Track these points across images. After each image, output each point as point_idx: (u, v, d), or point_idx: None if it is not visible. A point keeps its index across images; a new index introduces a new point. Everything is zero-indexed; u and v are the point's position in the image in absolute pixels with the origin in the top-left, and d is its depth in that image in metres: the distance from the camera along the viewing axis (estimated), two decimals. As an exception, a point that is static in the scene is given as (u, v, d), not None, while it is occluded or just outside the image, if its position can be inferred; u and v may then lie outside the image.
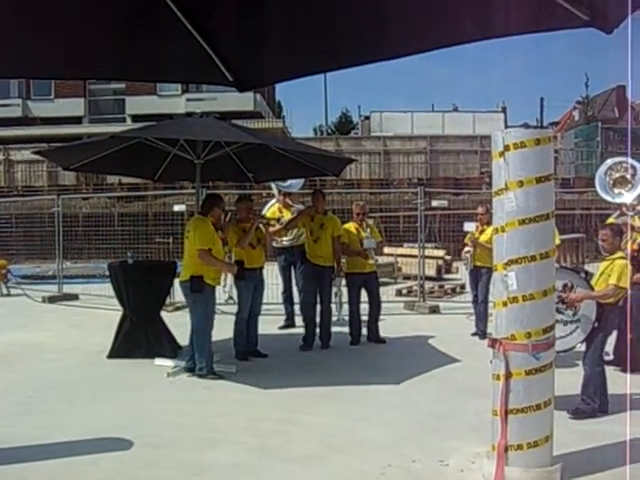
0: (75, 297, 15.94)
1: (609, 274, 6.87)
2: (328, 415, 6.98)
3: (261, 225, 9.62)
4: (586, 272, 7.42)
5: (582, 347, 7.03)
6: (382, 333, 10.66)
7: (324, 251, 10.11)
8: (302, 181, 13.12)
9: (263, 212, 12.38)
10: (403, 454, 5.84)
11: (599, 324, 6.86)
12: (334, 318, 10.99)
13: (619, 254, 6.98)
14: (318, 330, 10.26)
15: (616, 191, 10.33)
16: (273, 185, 12.78)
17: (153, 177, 10.96)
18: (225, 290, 12.90)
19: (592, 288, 7.01)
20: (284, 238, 11.39)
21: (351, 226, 10.56)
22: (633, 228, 9.35)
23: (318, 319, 10.26)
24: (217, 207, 8.72)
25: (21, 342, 10.80)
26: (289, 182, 12.18)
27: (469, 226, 10.94)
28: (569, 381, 6.83)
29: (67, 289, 16.43)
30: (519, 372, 5.12)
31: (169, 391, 8.01)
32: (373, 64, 4.60)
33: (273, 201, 12.65)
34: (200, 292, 8.35)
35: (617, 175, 10.39)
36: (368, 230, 10.46)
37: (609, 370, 7.34)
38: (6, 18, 3.88)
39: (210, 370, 8.44)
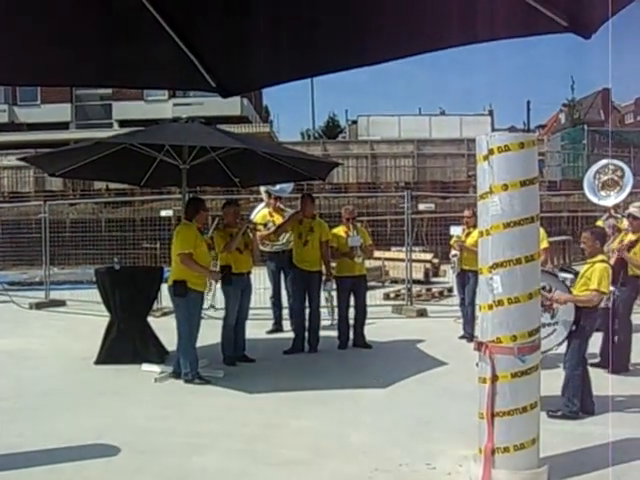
0: (62, 303, 15.87)
1: (589, 277, 6.89)
2: (315, 419, 6.98)
3: (248, 230, 9.61)
4: (576, 273, 7.43)
5: (563, 349, 7.07)
6: (369, 337, 10.66)
7: (312, 256, 10.11)
8: (292, 185, 13.12)
9: (252, 217, 12.36)
10: (390, 458, 5.84)
11: (577, 327, 6.88)
12: (327, 322, 11.00)
13: (599, 257, 7.01)
14: (307, 334, 10.26)
15: (603, 193, 10.37)
16: (262, 189, 12.76)
17: (139, 183, 10.93)
18: (207, 298, 12.87)
19: (570, 291, 7.04)
20: (276, 243, 11.36)
21: (340, 230, 10.56)
22: (619, 230, 9.41)
23: (307, 324, 10.27)
24: (202, 210, 8.72)
25: (7, 348, 10.74)
26: (279, 186, 12.17)
27: (455, 230, 10.96)
28: (552, 382, 6.86)
29: (54, 295, 16.36)
30: (505, 375, 5.14)
31: (156, 396, 7.98)
32: (358, 69, 4.61)
33: (262, 205, 12.62)
34: (183, 297, 8.35)
35: (606, 178, 10.44)
36: (355, 232, 10.43)
37: (596, 372, 7.37)
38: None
39: (195, 375, 8.43)
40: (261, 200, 13.14)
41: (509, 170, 5.14)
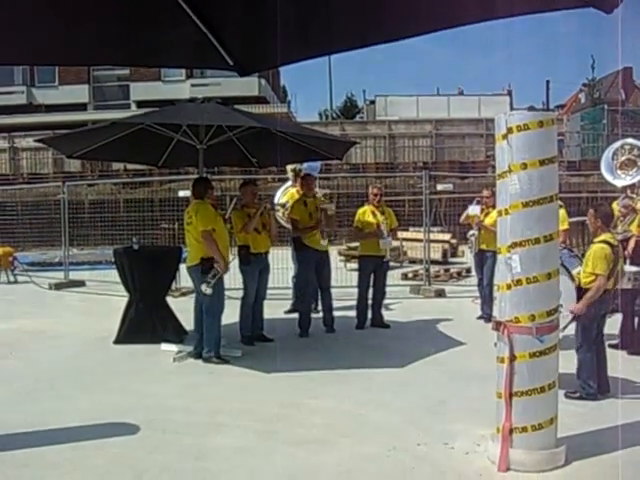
0: (81, 283, 15.99)
1: (587, 260, 6.83)
2: (332, 399, 6.99)
3: (266, 210, 9.57)
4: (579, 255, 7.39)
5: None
6: (387, 317, 10.69)
7: (320, 235, 10.07)
8: (319, 164, 12.99)
9: (277, 196, 12.32)
10: (408, 437, 5.84)
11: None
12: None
13: (602, 237, 6.92)
14: (321, 314, 10.26)
15: (620, 173, 10.27)
16: (289, 169, 12.64)
17: (157, 163, 10.95)
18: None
19: (572, 277, 6.96)
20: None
21: (367, 210, 10.50)
22: (635, 210, 9.32)
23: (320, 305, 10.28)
24: (210, 189, 8.78)
25: (27, 329, 10.84)
26: (306, 165, 12.03)
27: (473, 209, 10.90)
28: (570, 362, 6.85)
29: (73, 276, 16.48)
30: (523, 355, 5.12)
31: (175, 376, 8.03)
32: (376, 46, 4.59)
33: (288, 184, 12.48)
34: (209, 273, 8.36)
35: (623, 158, 10.33)
36: (384, 219, 10.38)
37: (615, 353, 7.34)
38: (8, 5, 3.87)
39: (217, 353, 8.47)
40: (285, 180, 13.03)
41: (528, 149, 5.10)
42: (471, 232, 10.84)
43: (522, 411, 5.12)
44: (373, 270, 10.46)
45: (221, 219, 8.66)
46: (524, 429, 5.11)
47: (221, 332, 8.61)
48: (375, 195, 10.53)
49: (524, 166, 5.08)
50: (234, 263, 9.28)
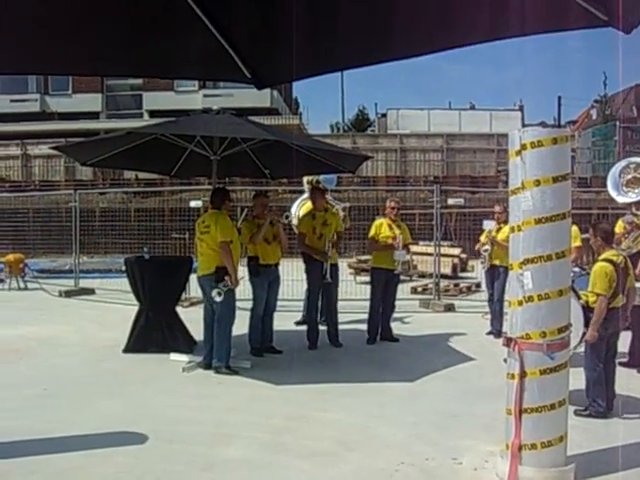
0: (91, 291, 16.03)
1: (591, 278, 6.81)
2: (341, 412, 6.98)
3: (274, 221, 9.55)
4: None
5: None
6: (396, 331, 10.67)
7: (325, 247, 10.01)
8: (336, 177, 12.98)
9: (293, 209, 12.31)
10: (416, 452, 5.83)
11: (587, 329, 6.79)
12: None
13: (603, 255, 6.90)
14: (326, 328, 10.24)
15: (626, 190, 10.25)
16: (305, 181, 12.63)
17: (170, 173, 10.98)
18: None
19: (579, 296, 6.94)
20: None
21: (383, 223, 10.50)
22: (638, 226, 9.32)
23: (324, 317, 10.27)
24: (228, 200, 8.82)
25: (37, 336, 10.87)
26: (323, 177, 12.01)
27: (488, 224, 10.89)
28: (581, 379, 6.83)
29: (84, 283, 16.53)
30: (534, 371, 5.11)
31: (184, 386, 8.03)
32: (389, 63, 4.59)
33: (304, 197, 12.47)
34: (220, 285, 8.37)
35: (630, 176, 10.32)
36: (400, 233, 10.38)
37: (625, 371, 7.31)
38: (23, 15, 3.90)
39: (226, 364, 8.48)
40: (302, 192, 13.02)
41: (541, 166, 5.10)
42: (484, 247, 10.82)
43: (532, 428, 5.10)
44: (385, 282, 10.43)
45: (236, 231, 8.69)
46: (533, 446, 5.09)
47: (231, 343, 8.61)
48: (392, 209, 10.53)
49: (537, 182, 5.08)
50: (244, 274, 9.30)
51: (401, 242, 10.29)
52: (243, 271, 9.27)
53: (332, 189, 13.00)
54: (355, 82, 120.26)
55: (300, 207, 12.12)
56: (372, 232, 10.52)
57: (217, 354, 8.48)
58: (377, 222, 10.64)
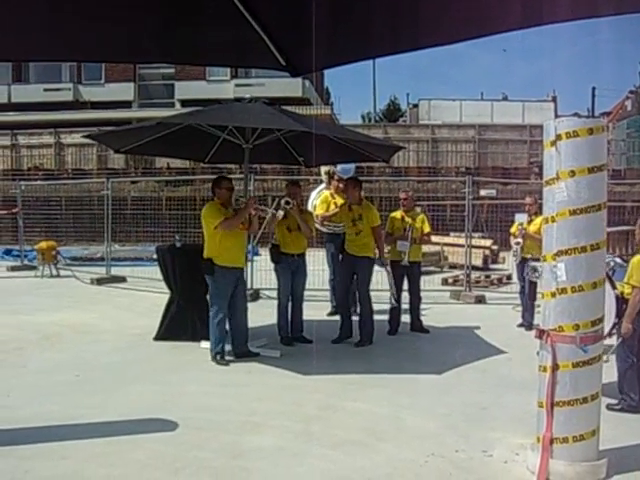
0: (123, 279, 16.16)
1: (630, 271, 6.70)
2: (371, 402, 6.97)
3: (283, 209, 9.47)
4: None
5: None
6: (426, 322, 10.63)
7: (362, 241, 9.88)
8: (354, 166, 12.98)
9: (311, 198, 12.30)
10: (446, 443, 5.80)
11: (619, 320, 6.72)
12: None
13: None
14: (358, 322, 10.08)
15: None
16: (322, 171, 12.64)
17: (204, 159, 11.00)
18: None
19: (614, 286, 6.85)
20: (337, 225, 10.92)
21: (397, 214, 10.48)
22: None
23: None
24: (218, 188, 8.72)
25: (68, 323, 10.97)
26: (340, 167, 12.00)
27: (520, 218, 10.81)
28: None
29: (115, 271, 16.66)
30: (566, 364, 5.06)
31: (213, 374, 8.06)
32: (422, 51, 4.56)
33: (322, 187, 12.49)
34: (211, 275, 8.45)
35: None
36: (410, 224, 10.33)
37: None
38: (57, 3, 3.92)
39: (216, 353, 8.50)
40: (321, 181, 13.04)
41: (577, 156, 5.04)
42: (516, 240, 10.73)
43: (564, 421, 5.06)
44: (403, 274, 10.40)
45: (231, 213, 8.60)
46: (565, 440, 5.04)
47: (223, 332, 8.56)
48: (403, 199, 10.53)
49: (572, 173, 5.02)
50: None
51: (414, 233, 10.26)
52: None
53: (364, 180, 13.00)
54: (387, 72, 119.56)
55: (317, 197, 12.10)
56: (388, 226, 10.52)
57: (211, 343, 8.58)
58: (392, 215, 10.63)
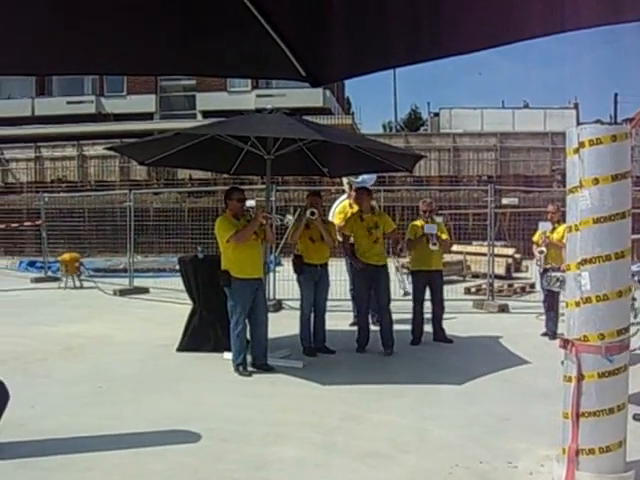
0: (145, 290, 16.21)
1: None
2: (394, 413, 6.93)
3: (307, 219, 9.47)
4: None
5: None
6: (449, 331, 10.56)
7: (380, 249, 9.94)
8: (374, 177, 13.00)
9: (333, 208, 12.34)
10: (470, 454, 5.75)
11: None
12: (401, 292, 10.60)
13: None
14: (379, 331, 10.01)
15: None
16: (345, 181, 12.69)
17: (228, 171, 11.03)
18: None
19: None
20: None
21: (418, 223, 10.44)
22: None
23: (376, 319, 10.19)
24: (229, 200, 8.69)
25: (91, 334, 11.02)
26: (361, 178, 12.05)
27: (544, 226, 10.73)
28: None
29: (138, 282, 16.73)
30: (592, 374, 4.99)
31: (236, 385, 8.06)
32: (443, 59, 4.54)
33: (344, 197, 12.56)
34: (228, 286, 8.44)
35: None
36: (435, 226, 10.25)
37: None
38: (78, 16, 3.94)
39: (238, 365, 8.50)
40: (343, 191, 13.08)
41: (600, 164, 4.98)
42: (539, 249, 10.66)
43: (589, 432, 4.99)
44: (426, 284, 10.36)
45: (243, 224, 8.53)
46: (591, 451, 4.98)
47: (243, 344, 8.57)
48: (425, 211, 10.48)
49: (596, 181, 4.96)
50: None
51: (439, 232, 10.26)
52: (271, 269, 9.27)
53: (385, 189, 13.06)
54: (407, 81, 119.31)
55: (337, 206, 12.16)
56: (409, 234, 10.48)
57: (232, 354, 8.60)
58: (412, 223, 10.61)
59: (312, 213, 9.20)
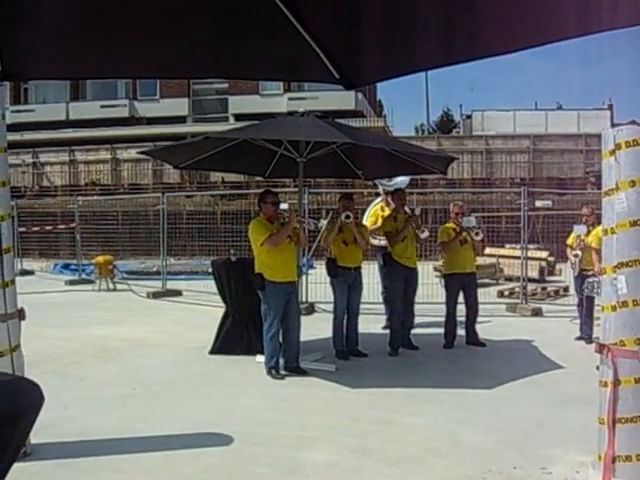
0: (178, 293, 16.29)
1: None
2: (426, 417, 6.88)
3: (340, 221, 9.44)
4: None
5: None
6: (482, 335, 10.48)
7: (411, 251, 9.98)
8: (407, 179, 12.96)
9: (367, 210, 12.36)
10: (504, 459, 5.69)
11: None
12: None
13: None
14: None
15: None
16: (379, 184, 12.69)
17: (264, 174, 11.08)
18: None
19: None
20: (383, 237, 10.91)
21: (450, 226, 10.40)
22: None
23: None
24: (263, 203, 8.67)
25: (124, 336, 11.09)
26: (394, 180, 12.05)
27: (579, 229, 10.61)
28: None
29: (171, 285, 16.81)
30: (628, 380, 4.92)
31: (268, 388, 8.06)
32: (475, 62, 4.52)
33: (378, 200, 12.57)
34: (262, 289, 8.44)
35: None
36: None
37: None
38: (114, 22, 3.97)
39: (269, 369, 8.50)
40: (377, 194, 13.10)
41: (637, 166, 4.90)
42: (574, 253, 10.54)
43: (626, 439, 4.91)
44: (460, 287, 10.32)
45: (277, 228, 8.54)
46: (628, 458, 4.90)
47: (276, 347, 8.56)
48: (457, 214, 10.43)
49: (632, 183, 4.89)
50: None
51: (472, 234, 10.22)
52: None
53: (418, 192, 13.08)
54: (439, 83, 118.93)
55: (370, 209, 12.19)
56: (441, 238, 10.44)
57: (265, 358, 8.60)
58: (442, 227, 10.58)
59: (347, 217, 9.19)
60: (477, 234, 10.12)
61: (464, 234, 10.13)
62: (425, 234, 10.03)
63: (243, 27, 4.17)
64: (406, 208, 10.28)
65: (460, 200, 15.44)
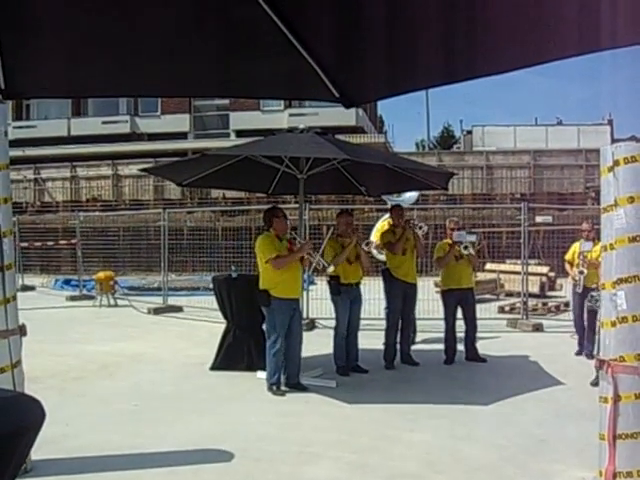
0: (179, 309, 16.29)
1: None
2: (427, 433, 6.88)
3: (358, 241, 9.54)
4: None
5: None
6: (483, 351, 10.49)
7: (410, 266, 10.03)
8: (416, 195, 13.00)
9: (375, 226, 12.39)
10: (506, 475, 5.70)
11: None
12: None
13: None
14: (399, 347, 10.15)
15: None
16: (388, 200, 12.74)
17: (267, 191, 11.12)
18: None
19: None
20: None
21: (446, 242, 10.44)
22: None
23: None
24: (275, 218, 8.65)
25: (125, 352, 11.09)
26: (403, 196, 12.08)
27: (586, 245, 10.59)
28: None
29: (172, 301, 16.81)
30: (629, 395, 4.92)
31: (270, 404, 8.06)
32: (476, 80, 4.54)
33: (386, 216, 12.62)
34: (267, 306, 8.43)
35: None
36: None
37: None
38: (116, 41, 4.01)
39: (271, 385, 8.49)
40: (386, 211, 13.13)
41: (636, 182, 4.93)
42: (579, 269, 10.51)
43: (627, 455, 4.91)
44: (458, 303, 10.34)
45: (283, 248, 8.55)
46: (629, 474, 4.89)
47: (279, 363, 8.53)
48: (452, 229, 10.44)
49: (631, 200, 4.91)
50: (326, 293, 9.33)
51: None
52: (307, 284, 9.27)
53: (419, 207, 13.11)
54: (440, 99, 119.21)
55: (379, 224, 12.23)
56: (437, 253, 10.48)
57: (267, 373, 8.58)
58: (440, 243, 10.62)
59: (367, 244, 9.30)
60: (466, 247, 10.12)
61: (457, 248, 10.14)
62: (424, 229, 10.10)
63: (245, 47, 4.19)
64: (414, 225, 10.33)
65: (460, 216, 15.47)
